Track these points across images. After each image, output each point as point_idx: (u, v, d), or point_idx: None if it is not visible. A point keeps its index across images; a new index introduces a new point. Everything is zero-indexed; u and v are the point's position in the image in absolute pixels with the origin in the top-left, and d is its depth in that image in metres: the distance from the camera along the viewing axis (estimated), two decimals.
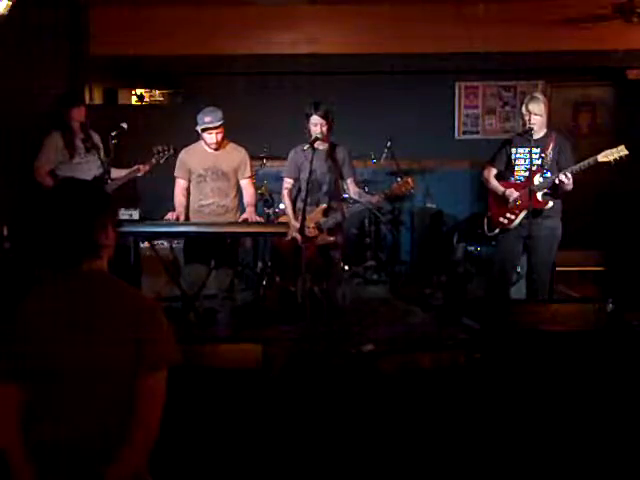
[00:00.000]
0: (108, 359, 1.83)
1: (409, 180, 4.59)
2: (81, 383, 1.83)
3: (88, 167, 4.94)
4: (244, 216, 4.63)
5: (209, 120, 4.49)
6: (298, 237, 4.43)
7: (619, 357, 3.24)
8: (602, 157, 4.28)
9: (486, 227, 4.71)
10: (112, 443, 1.82)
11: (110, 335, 1.83)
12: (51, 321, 1.84)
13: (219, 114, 4.52)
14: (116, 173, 5.00)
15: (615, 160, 4.26)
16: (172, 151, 4.91)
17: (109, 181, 4.86)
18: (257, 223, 4.68)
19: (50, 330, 1.83)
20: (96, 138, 5.11)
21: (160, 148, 4.92)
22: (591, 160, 4.30)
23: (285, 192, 4.81)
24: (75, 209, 1.89)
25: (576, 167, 4.32)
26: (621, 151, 4.26)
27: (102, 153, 5.03)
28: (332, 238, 4.68)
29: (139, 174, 4.97)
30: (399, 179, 4.70)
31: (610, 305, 3.48)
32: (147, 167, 4.95)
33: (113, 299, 1.88)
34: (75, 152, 4.93)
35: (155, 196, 5.72)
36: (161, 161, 4.92)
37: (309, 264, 4.63)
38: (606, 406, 3.06)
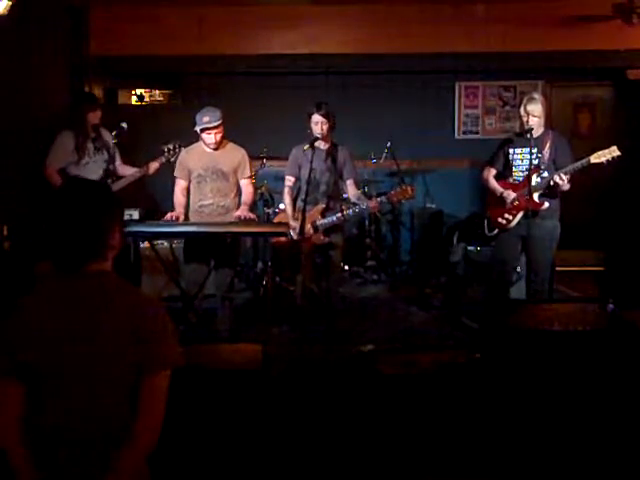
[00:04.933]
0: (110, 359, 1.83)
1: (409, 189, 4.57)
2: (82, 383, 1.82)
3: (96, 167, 4.91)
4: (236, 214, 4.58)
5: (207, 120, 4.47)
6: (295, 236, 4.44)
7: (619, 357, 3.24)
8: (594, 158, 4.30)
9: (486, 227, 4.72)
10: (113, 442, 1.82)
11: (112, 336, 1.83)
12: (52, 320, 1.83)
13: (217, 114, 4.50)
14: (127, 170, 4.98)
15: (607, 161, 4.27)
16: (181, 150, 4.87)
17: (115, 180, 4.86)
18: (253, 222, 4.66)
19: (51, 329, 1.83)
20: (106, 136, 5.06)
21: (170, 146, 4.88)
22: (584, 161, 4.32)
23: (286, 190, 4.82)
24: (82, 210, 1.87)
25: (569, 168, 4.33)
26: (613, 152, 4.27)
27: (112, 151, 5.00)
28: (324, 237, 4.64)
29: (150, 172, 4.94)
30: (399, 188, 4.66)
31: (610, 305, 3.48)
32: (157, 165, 4.93)
33: (117, 300, 1.87)
34: (84, 153, 4.88)
35: (155, 196, 5.73)
36: (172, 159, 4.86)
37: (307, 264, 4.63)
38: (606, 406, 3.06)
